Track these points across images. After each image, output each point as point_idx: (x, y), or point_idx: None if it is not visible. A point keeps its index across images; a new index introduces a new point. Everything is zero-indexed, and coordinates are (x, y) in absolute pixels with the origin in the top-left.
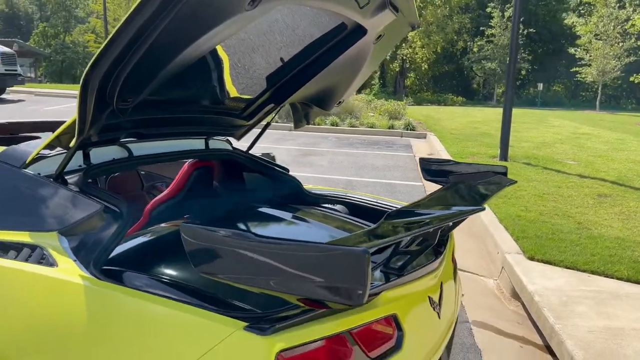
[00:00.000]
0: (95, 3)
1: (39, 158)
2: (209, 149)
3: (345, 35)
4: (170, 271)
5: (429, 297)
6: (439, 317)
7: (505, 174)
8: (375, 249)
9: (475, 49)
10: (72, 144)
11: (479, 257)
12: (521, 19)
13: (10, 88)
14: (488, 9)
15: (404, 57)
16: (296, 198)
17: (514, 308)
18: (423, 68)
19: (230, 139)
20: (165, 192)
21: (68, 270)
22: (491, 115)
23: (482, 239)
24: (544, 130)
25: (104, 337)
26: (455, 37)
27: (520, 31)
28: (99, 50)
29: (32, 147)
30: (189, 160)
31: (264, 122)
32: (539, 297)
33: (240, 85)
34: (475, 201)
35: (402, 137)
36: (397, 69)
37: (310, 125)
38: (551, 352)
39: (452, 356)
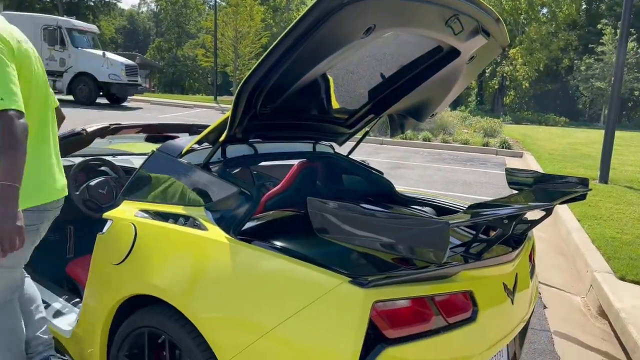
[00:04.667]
0: (206, 20)
1: (190, 150)
2: (315, 152)
3: (441, 57)
4: (284, 243)
5: (503, 283)
6: (512, 303)
7: (586, 184)
8: (454, 222)
9: (582, 67)
10: (221, 139)
11: (568, 274)
12: (634, 36)
13: (131, 97)
14: (599, 25)
15: (504, 74)
16: (389, 199)
17: (599, 325)
18: (524, 86)
19: (334, 144)
20: (279, 186)
21: (216, 234)
22: (595, 137)
23: (573, 258)
24: None
25: (237, 280)
26: (560, 54)
27: (635, 49)
28: (251, 70)
29: (185, 142)
30: (299, 160)
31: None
32: (625, 314)
33: (346, 98)
34: (546, 201)
35: (496, 154)
36: (496, 86)
37: (402, 140)
38: None
39: (530, 358)
